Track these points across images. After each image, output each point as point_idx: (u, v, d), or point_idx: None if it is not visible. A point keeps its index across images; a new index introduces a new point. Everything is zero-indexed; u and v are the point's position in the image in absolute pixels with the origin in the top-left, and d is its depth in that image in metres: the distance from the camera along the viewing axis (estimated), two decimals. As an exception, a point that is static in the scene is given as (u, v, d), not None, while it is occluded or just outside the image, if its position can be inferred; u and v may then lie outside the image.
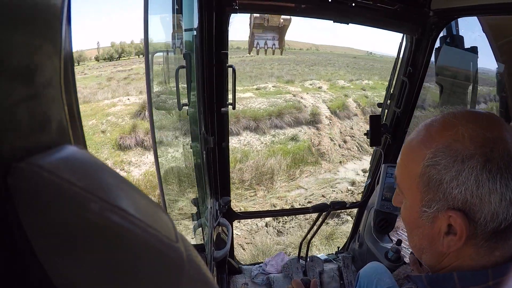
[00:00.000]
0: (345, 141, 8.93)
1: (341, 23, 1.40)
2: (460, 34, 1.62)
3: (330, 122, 9.75)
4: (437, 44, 1.58)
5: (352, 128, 9.76)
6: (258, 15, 6.21)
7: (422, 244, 0.53)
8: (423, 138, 0.50)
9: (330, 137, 8.99)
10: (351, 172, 7.38)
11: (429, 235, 0.50)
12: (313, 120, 9.59)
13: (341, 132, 9.41)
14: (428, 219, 0.49)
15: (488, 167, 0.43)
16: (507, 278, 0.45)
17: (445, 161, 0.46)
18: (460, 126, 0.46)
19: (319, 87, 13.50)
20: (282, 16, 6.24)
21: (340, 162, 8.00)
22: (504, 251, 0.47)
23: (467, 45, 1.62)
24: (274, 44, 6.59)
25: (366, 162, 7.48)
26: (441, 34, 1.54)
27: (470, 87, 1.69)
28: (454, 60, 1.65)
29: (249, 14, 6.36)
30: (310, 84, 14.09)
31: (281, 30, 7.00)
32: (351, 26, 1.42)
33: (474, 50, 1.62)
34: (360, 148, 8.63)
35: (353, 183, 6.66)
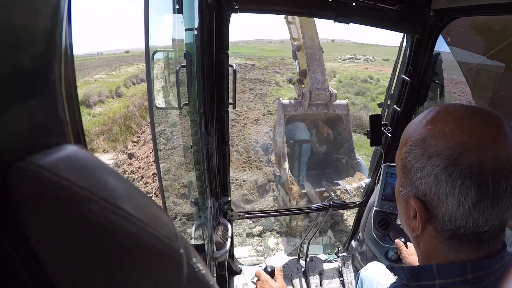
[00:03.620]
0: None
1: (341, 22, 1.40)
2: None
3: None
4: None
5: None
6: (288, 101, 4.37)
7: (402, 220, 0.57)
8: (416, 125, 0.51)
9: None
10: None
11: (405, 213, 0.53)
12: None
13: None
14: (403, 199, 0.53)
15: (449, 170, 0.44)
16: (487, 272, 0.46)
17: (416, 151, 0.48)
18: (441, 123, 0.47)
19: None
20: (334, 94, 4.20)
21: None
22: (470, 255, 0.47)
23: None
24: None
25: None
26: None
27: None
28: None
29: (278, 116, 4.40)
30: None
31: (334, 121, 4.50)
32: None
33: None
34: None
35: None
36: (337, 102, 4.45)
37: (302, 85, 4.47)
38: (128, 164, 7.37)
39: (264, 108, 10.68)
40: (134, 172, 6.77)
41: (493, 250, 0.47)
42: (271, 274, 1.05)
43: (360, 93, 14.60)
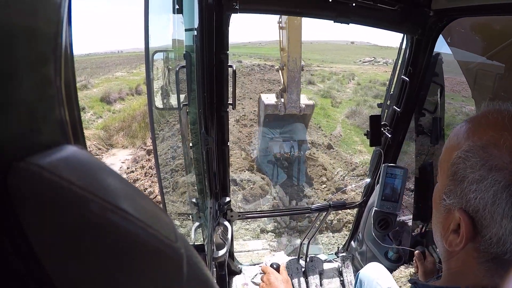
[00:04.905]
0: None
1: (341, 23, 1.40)
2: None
3: None
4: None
5: None
6: (270, 102, 5.83)
7: (436, 229, 0.52)
8: (471, 127, 0.46)
9: None
10: None
11: (442, 224, 0.49)
12: None
13: None
14: (444, 209, 0.48)
15: None
16: None
17: (475, 160, 0.42)
18: (507, 131, 0.41)
19: None
20: (303, 101, 5.80)
21: None
22: (505, 279, 0.43)
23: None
24: (292, 147, 5.78)
25: None
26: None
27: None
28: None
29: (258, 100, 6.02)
30: None
31: (303, 120, 6.07)
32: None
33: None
34: None
35: None
36: (306, 102, 5.83)
37: (283, 92, 5.80)
38: (146, 160, 7.77)
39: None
40: (152, 167, 7.19)
41: None
42: (277, 270, 1.09)
43: (378, 96, 14.56)
